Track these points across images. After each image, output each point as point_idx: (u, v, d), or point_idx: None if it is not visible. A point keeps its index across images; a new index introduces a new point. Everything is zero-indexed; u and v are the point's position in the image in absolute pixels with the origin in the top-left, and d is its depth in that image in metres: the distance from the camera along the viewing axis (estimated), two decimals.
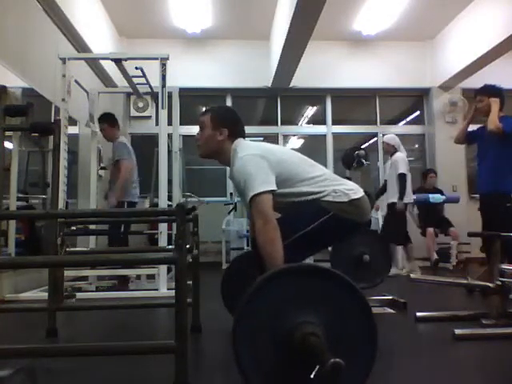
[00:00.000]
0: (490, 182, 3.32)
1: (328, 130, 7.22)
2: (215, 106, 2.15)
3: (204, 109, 2.04)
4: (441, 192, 5.94)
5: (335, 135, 7.21)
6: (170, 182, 4.14)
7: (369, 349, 1.34)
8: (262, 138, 6.69)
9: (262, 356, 1.29)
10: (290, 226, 1.80)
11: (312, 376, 1.19)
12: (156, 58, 3.81)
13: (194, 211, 2.19)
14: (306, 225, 1.82)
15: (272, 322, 1.30)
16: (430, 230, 5.73)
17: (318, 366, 1.18)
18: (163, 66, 3.78)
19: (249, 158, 1.84)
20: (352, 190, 1.90)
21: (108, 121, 4.35)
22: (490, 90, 3.41)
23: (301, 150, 7.46)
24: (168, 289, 3.60)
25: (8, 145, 3.54)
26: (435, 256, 5.61)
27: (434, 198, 5.77)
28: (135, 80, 4.37)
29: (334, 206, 1.84)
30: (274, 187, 1.79)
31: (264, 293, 1.32)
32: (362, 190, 1.95)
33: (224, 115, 2.06)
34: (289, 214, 1.86)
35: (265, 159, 1.83)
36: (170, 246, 3.20)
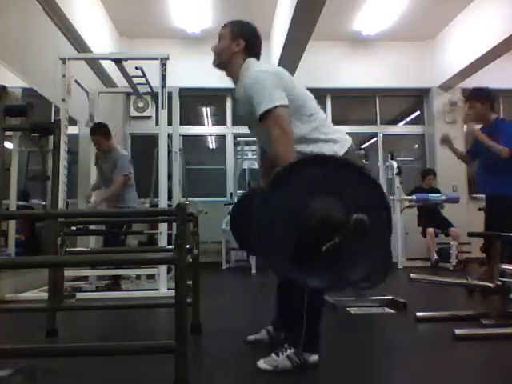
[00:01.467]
0: (495, 184, 3.31)
1: None
2: (236, 20, 2.08)
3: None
4: (438, 192, 5.94)
5: None
6: (169, 176, 4.10)
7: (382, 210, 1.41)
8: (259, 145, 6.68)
9: (284, 239, 1.37)
10: None
11: (324, 248, 1.30)
12: (156, 58, 3.81)
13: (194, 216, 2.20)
14: None
15: (292, 208, 1.38)
16: (430, 229, 5.73)
17: (333, 241, 1.29)
18: (163, 65, 3.78)
19: (263, 73, 1.80)
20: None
21: (102, 132, 4.10)
22: (480, 95, 3.40)
23: None
24: (168, 289, 3.60)
25: (8, 145, 3.55)
26: (435, 256, 5.61)
27: (434, 197, 5.78)
28: (135, 80, 4.38)
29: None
30: (287, 103, 1.73)
31: (279, 185, 1.39)
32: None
33: (244, 27, 2.02)
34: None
35: (279, 79, 1.79)
36: (170, 246, 3.20)
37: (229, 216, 6.10)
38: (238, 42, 1.95)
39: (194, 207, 5.24)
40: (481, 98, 3.37)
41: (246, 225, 2.15)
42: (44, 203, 4.31)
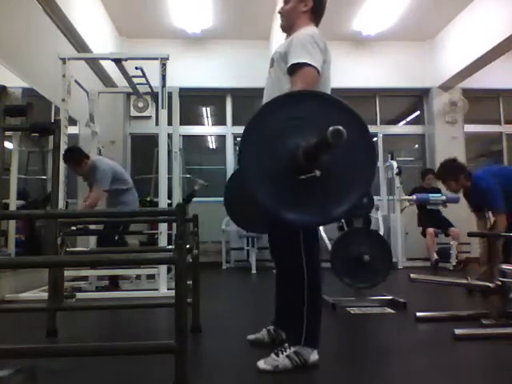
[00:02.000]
0: None
1: None
2: None
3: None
4: (439, 192, 5.93)
5: None
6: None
7: (369, 163, 1.47)
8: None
9: (268, 169, 1.41)
10: None
11: (303, 177, 1.35)
12: (156, 58, 3.81)
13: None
14: None
15: (276, 141, 1.42)
16: (430, 230, 5.73)
17: (312, 173, 1.35)
18: (163, 65, 3.78)
19: (316, 36, 1.81)
20: None
21: (72, 160, 3.82)
22: (450, 172, 3.53)
23: None
24: (168, 289, 3.60)
25: (8, 145, 3.55)
26: (435, 256, 5.61)
27: (434, 197, 5.77)
28: (135, 80, 4.38)
29: None
30: (320, 70, 1.75)
31: (267, 115, 1.45)
32: None
33: None
34: None
35: (325, 49, 1.83)
36: (170, 246, 3.20)
37: (228, 216, 6.12)
38: (307, 1, 1.95)
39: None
40: (452, 173, 3.44)
41: (239, 199, 2.15)
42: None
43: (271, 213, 1.47)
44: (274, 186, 1.43)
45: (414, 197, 5.89)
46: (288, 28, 1.99)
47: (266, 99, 1.96)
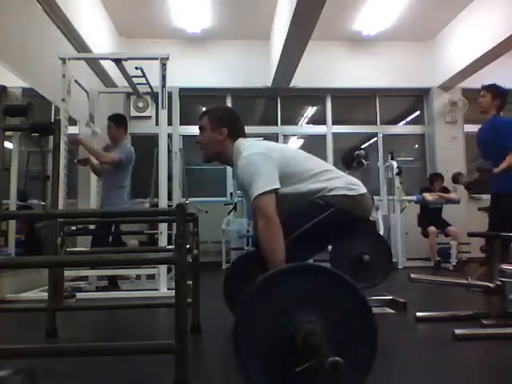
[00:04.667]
0: (499, 182, 3.32)
1: (328, 130, 7.22)
2: (213, 106, 2.13)
3: (204, 109, 2.03)
4: (449, 191, 5.92)
5: (335, 135, 7.21)
6: (169, 176, 4.07)
7: (368, 349, 1.35)
8: (262, 138, 6.68)
9: (265, 356, 1.30)
10: (291, 224, 1.79)
11: (298, 370, 1.21)
12: (156, 58, 3.81)
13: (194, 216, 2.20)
14: (306, 222, 1.82)
15: (273, 322, 1.31)
16: (433, 229, 5.74)
17: (309, 363, 1.20)
18: (163, 65, 3.78)
19: (252, 157, 1.83)
20: (357, 185, 1.92)
21: (115, 119, 4.20)
22: (496, 90, 3.43)
23: (301, 149, 7.46)
24: (168, 289, 3.60)
25: (8, 145, 3.55)
26: (436, 257, 5.62)
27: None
28: (135, 80, 4.38)
29: (339, 199, 1.84)
30: (277, 185, 1.78)
31: (265, 293, 1.33)
32: (364, 188, 1.96)
33: (222, 114, 2.05)
34: (290, 214, 1.84)
35: (268, 157, 1.83)
36: (170, 246, 3.20)
37: (229, 216, 6.13)
38: (221, 130, 1.97)
39: (194, 208, 5.25)
40: (495, 93, 3.40)
41: (239, 288, 2.14)
42: (43, 203, 4.31)
43: None
44: (274, 375, 1.31)
45: (413, 197, 5.89)
46: (215, 158, 2.04)
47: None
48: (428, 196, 5.85)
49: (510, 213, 3.22)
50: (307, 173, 1.89)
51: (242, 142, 1.96)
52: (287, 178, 1.84)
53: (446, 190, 5.91)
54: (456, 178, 3.64)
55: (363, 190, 1.93)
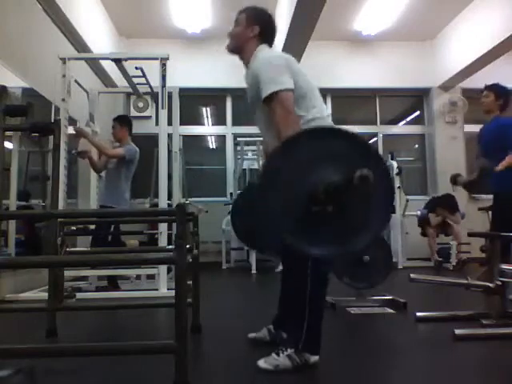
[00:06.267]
0: (501, 181, 3.31)
1: None
2: (255, 5, 2.08)
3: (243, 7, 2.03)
4: (456, 209, 5.89)
5: None
6: (169, 176, 4.06)
7: (383, 208, 1.48)
8: (262, 138, 6.69)
9: (290, 206, 1.43)
10: None
11: (316, 208, 1.38)
12: (156, 58, 3.81)
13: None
14: None
15: (299, 177, 1.43)
16: (431, 230, 5.74)
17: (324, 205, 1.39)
18: (163, 65, 3.78)
19: (272, 58, 1.85)
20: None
21: (120, 120, 4.23)
22: (497, 89, 3.43)
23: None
24: (168, 289, 3.60)
25: (8, 145, 3.55)
26: (437, 257, 5.62)
27: None
28: (135, 80, 4.38)
29: None
30: (293, 87, 1.77)
31: (290, 151, 1.44)
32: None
33: (260, 14, 2.05)
34: None
35: (288, 64, 1.83)
36: (170, 246, 3.20)
37: (229, 216, 6.12)
38: (253, 28, 1.98)
39: (195, 208, 5.26)
40: (499, 93, 3.40)
41: (246, 220, 2.17)
42: (43, 204, 4.31)
43: (297, 250, 1.49)
44: (296, 223, 1.45)
45: (418, 212, 5.92)
46: (236, 50, 2.05)
47: (260, 130, 2.03)
48: (432, 218, 5.85)
49: (509, 212, 3.22)
50: (313, 105, 1.86)
51: (265, 46, 1.98)
52: (300, 94, 1.82)
53: (454, 210, 5.84)
54: (455, 180, 3.64)
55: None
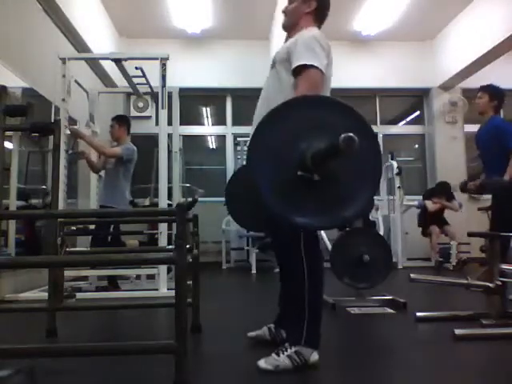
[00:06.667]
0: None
1: None
2: None
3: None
4: (452, 198, 5.91)
5: None
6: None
7: (373, 168, 1.50)
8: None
9: (278, 174, 1.44)
10: None
11: (299, 173, 1.40)
12: (156, 58, 3.81)
13: (196, 202, 2.19)
14: None
15: (286, 145, 1.45)
16: (436, 229, 5.74)
17: (310, 174, 1.40)
18: (163, 65, 3.78)
19: (320, 37, 1.81)
20: None
21: (117, 119, 4.21)
22: (492, 91, 3.42)
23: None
24: (168, 289, 3.60)
25: (8, 145, 3.55)
26: (438, 257, 5.62)
27: None
28: (135, 80, 4.38)
29: None
30: (324, 72, 1.76)
31: (277, 120, 1.46)
32: None
33: None
34: None
35: (329, 51, 1.82)
36: (170, 246, 3.20)
37: (229, 216, 6.12)
38: (310, 3, 1.94)
39: (196, 192, 5.26)
40: (493, 94, 3.39)
41: (241, 200, 2.18)
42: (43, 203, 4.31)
43: (283, 219, 1.49)
44: (284, 192, 1.45)
45: (415, 203, 5.91)
46: (290, 28, 1.99)
47: (263, 98, 1.97)
48: (429, 205, 5.86)
49: (509, 212, 3.21)
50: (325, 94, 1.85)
51: (313, 29, 1.91)
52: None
53: (450, 198, 5.88)
54: (464, 187, 3.64)
55: None
